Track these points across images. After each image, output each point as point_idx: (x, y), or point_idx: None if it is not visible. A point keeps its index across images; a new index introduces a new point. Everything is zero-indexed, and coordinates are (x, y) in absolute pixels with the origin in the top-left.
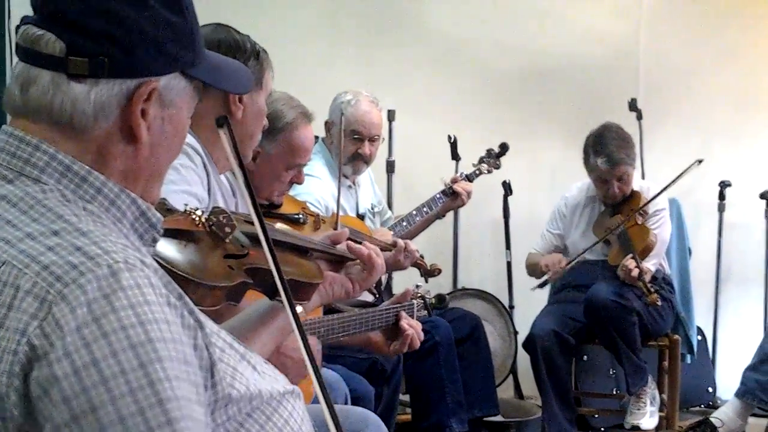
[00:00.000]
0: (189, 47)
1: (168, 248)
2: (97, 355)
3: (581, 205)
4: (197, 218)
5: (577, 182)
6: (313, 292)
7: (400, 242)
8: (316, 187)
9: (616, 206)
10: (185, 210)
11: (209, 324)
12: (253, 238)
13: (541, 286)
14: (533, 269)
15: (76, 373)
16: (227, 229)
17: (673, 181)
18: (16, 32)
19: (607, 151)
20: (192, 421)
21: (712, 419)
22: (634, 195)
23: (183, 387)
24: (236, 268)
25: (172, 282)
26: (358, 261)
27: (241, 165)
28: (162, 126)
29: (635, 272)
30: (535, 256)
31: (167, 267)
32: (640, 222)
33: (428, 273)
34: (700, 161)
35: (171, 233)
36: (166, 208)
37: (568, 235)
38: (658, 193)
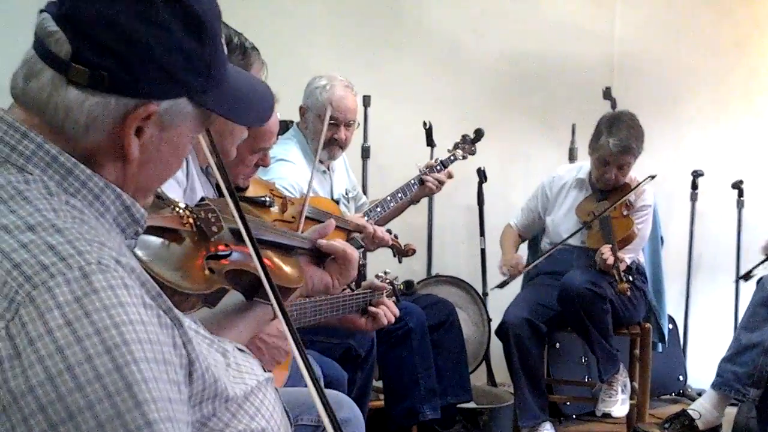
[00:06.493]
0: (201, 74)
1: (148, 250)
2: (72, 361)
3: (568, 185)
4: (185, 217)
5: (567, 164)
6: (292, 293)
7: (369, 228)
8: (291, 172)
9: (605, 193)
10: (173, 207)
11: (187, 321)
12: (237, 235)
13: (501, 286)
14: (501, 248)
15: (51, 380)
16: (214, 229)
17: (628, 194)
18: (39, 16)
19: (621, 135)
20: (171, 422)
21: (689, 411)
22: (625, 186)
23: (162, 387)
24: (216, 271)
25: (149, 280)
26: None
27: (222, 168)
28: (158, 147)
29: (611, 260)
30: (508, 236)
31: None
32: (625, 213)
33: (402, 253)
34: (652, 177)
35: (155, 231)
36: (156, 195)
37: (548, 214)
38: (627, 194)
